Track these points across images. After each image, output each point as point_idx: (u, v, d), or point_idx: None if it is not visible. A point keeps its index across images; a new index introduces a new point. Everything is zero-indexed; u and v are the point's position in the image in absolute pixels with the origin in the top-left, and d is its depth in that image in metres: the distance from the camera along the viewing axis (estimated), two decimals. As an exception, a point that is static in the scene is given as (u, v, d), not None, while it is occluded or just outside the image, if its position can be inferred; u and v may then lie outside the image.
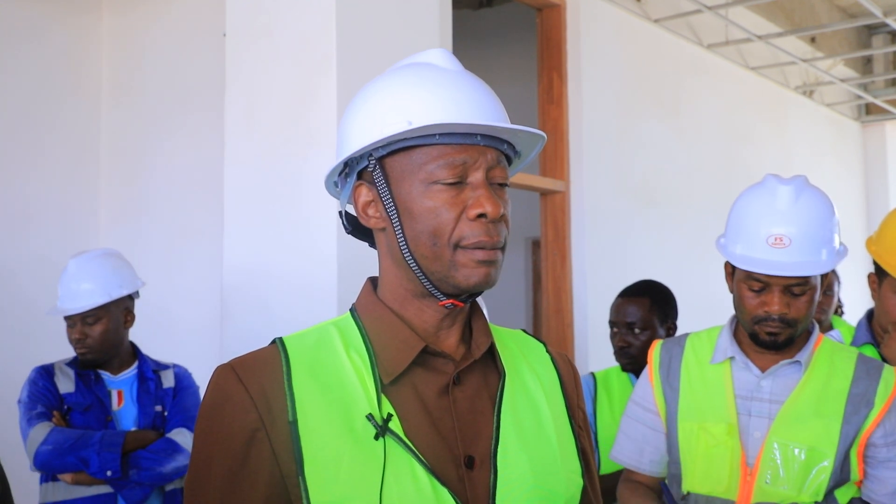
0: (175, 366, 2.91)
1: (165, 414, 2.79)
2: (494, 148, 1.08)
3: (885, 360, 2.21)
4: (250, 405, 1.02)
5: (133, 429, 2.72)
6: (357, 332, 1.11)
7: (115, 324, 2.77)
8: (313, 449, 1.01)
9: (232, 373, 1.05)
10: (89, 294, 2.73)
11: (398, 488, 1.01)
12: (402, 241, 1.07)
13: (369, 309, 1.13)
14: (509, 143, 1.11)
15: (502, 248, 1.08)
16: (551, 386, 1.20)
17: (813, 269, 1.75)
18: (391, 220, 1.08)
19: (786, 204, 1.78)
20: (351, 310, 1.15)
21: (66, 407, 2.68)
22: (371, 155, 1.09)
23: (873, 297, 2.24)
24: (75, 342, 2.74)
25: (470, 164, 1.06)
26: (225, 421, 1.03)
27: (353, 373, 1.07)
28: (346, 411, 1.04)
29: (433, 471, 1.03)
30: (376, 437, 1.03)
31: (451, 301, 1.09)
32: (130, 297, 2.85)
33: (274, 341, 1.10)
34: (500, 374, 1.14)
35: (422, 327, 1.10)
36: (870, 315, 2.34)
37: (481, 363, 1.13)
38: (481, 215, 1.05)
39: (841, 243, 1.85)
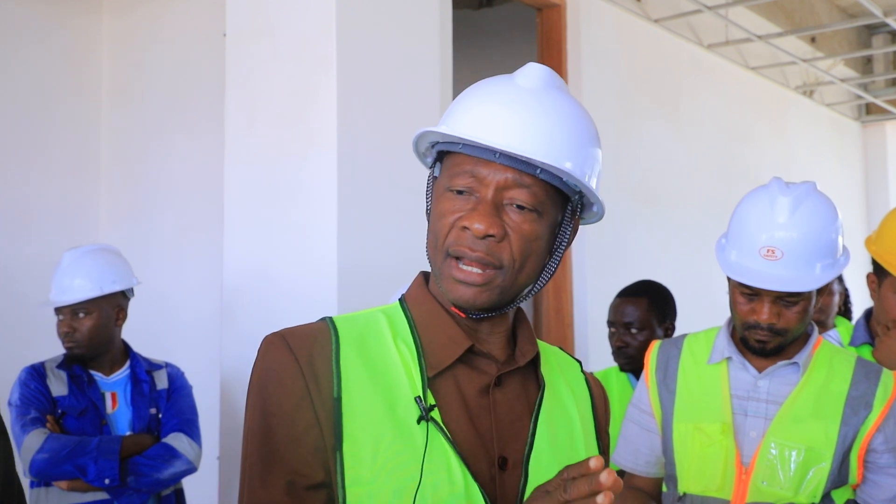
0: (168, 365, 2.87)
1: (160, 416, 2.74)
2: (515, 168, 1.05)
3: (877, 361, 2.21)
4: (298, 373, 1.04)
5: (128, 433, 2.68)
6: (405, 322, 1.12)
7: (106, 320, 2.72)
8: (354, 428, 1.03)
9: (282, 341, 1.06)
10: (81, 287, 2.68)
11: (431, 478, 1.02)
12: (427, 239, 1.11)
13: (420, 301, 1.14)
14: (551, 174, 1.07)
15: (500, 268, 1.05)
16: (584, 405, 1.22)
17: (802, 285, 1.72)
18: (427, 215, 1.13)
19: (783, 215, 1.74)
20: (400, 300, 1.17)
21: (59, 411, 2.62)
22: (432, 152, 1.15)
23: (872, 297, 2.24)
24: (63, 335, 2.69)
25: (482, 176, 1.06)
26: (274, 386, 1.04)
27: (400, 361, 1.08)
28: (390, 396, 1.05)
29: (468, 467, 1.04)
30: (418, 421, 1.04)
31: (454, 309, 1.10)
32: (124, 295, 2.79)
33: (324, 318, 1.12)
34: (540, 385, 1.15)
35: (466, 325, 1.11)
36: (868, 315, 2.34)
37: (522, 372, 1.14)
38: (465, 227, 1.05)
39: (843, 252, 1.81)
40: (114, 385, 2.75)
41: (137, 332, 2.94)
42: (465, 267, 1.05)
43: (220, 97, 3.26)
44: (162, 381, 2.81)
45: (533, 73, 1.12)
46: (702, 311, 3.79)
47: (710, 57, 5.85)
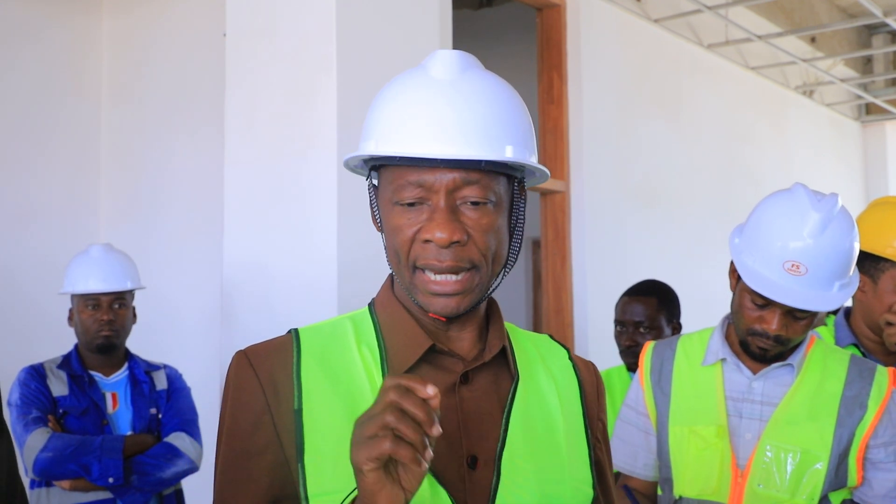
0: (166, 366, 2.88)
1: (160, 416, 2.75)
2: (461, 168, 1.03)
3: (866, 355, 2.20)
4: (259, 390, 1.06)
5: (129, 433, 2.68)
6: (371, 326, 1.13)
7: (131, 315, 2.81)
8: (315, 438, 1.03)
9: (245, 359, 1.09)
10: (121, 278, 2.73)
11: None
12: (386, 251, 1.10)
13: (385, 304, 1.14)
14: (496, 163, 1.04)
15: (473, 268, 1.04)
16: (569, 393, 1.18)
17: (822, 305, 1.69)
18: (380, 228, 1.12)
19: (812, 232, 1.69)
20: (369, 304, 1.17)
21: (60, 411, 2.62)
22: (366, 164, 1.12)
23: (860, 297, 2.22)
24: (102, 324, 2.69)
25: (429, 184, 1.03)
26: (237, 404, 1.07)
27: (363, 367, 1.08)
28: (352, 404, 1.05)
29: (432, 469, 1.03)
30: None
31: (432, 315, 1.09)
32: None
33: (290, 331, 1.13)
34: (513, 378, 1.13)
35: (431, 325, 1.11)
36: (846, 314, 2.31)
37: (494, 365, 1.13)
38: (427, 240, 1.03)
39: (854, 270, 1.78)
40: (114, 385, 2.75)
41: (137, 332, 2.94)
42: (438, 277, 1.04)
43: (220, 97, 3.26)
44: (161, 382, 2.81)
45: (446, 61, 1.08)
46: (701, 311, 3.79)
47: (710, 57, 5.85)
